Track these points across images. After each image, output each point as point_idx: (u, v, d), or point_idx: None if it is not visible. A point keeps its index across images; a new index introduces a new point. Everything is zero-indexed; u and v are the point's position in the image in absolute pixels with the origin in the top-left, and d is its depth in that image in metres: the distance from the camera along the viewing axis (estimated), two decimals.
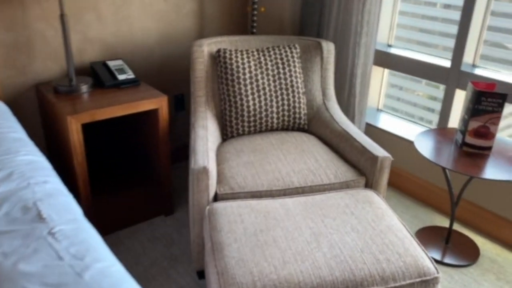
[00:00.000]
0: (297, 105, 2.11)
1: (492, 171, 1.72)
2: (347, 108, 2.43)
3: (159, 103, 1.99)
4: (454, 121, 2.28)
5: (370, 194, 1.67)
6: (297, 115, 2.12)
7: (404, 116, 2.59)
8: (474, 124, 1.81)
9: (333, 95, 2.22)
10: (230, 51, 2.07)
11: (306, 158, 1.87)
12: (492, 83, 1.84)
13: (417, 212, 2.33)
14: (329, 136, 2.04)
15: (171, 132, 2.65)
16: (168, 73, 2.51)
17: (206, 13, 2.53)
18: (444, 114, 2.28)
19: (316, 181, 1.75)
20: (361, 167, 1.82)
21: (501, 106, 1.75)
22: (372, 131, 2.58)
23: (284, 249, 1.36)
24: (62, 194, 1.21)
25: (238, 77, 2.04)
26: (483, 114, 1.79)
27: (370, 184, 1.79)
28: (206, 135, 1.87)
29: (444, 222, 2.25)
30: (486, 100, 1.76)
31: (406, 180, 2.48)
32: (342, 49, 2.36)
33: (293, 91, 2.10)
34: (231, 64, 2.05)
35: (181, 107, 2.64)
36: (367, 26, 2.23)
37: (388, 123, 2.57)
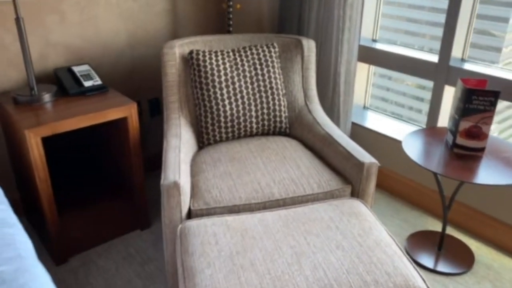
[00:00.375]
0: (277, 108, 1.98)
1: (486, 175, 1.61)
2: (332, 108, 2.30)
3: (127, 111, 1.85)
4: (444, 119, 2.17)
5: (356, 204, 1.55)
6: (277, 119, 1.99)
7: (392, 112, 2.48)
8: (465, 124, 1.69)
9: (316, 96, 2.09)
10: (204, 52, 1.93)
11: (287, 166, 1.74)
12: (483, 79, 1.72)
13: (408, 216, 2.21)
14: (312, 140, 1.92)
15: (147, 139, 2.50)
16: (140, 77, 2.36)
17: (179, 11, 2.38)
18: (433, 112, 2.16)
19: (298, 192, 1.62)
20: (346, 174, 1.70)
21: (493, 105, 1.64)
22: (358, 131, 2.46)
23: (263, 273, 1.23)
24: (7, 225, 1.06)
25: (213, 80, 1.90)
26: (474, 113, 1.67)
27: (356, 193, 1.66)
28: (178, 145, 1.74)
29: (436, 226, 2.14)
30: (478, 98, 1.64)
31: (396, 182, 2.37)
32: (325, 46, 2.22)
33: (272, 94, 1.97)
34: (205, 67, 1.90)
35: (157, 111, 2.49)
36: (349, 21, 2.10)
37: (375, 121, 2.45)
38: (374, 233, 1.40)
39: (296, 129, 2.03)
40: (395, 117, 2.47)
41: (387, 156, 2.37)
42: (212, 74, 1.90)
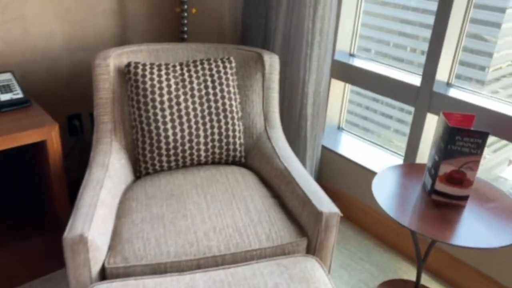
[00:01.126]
0: (231, 133, 1.68)
1: (467, 232, 1.33)
2: (298, 133, 2.02)
3: (46, 134, 1.54)
4: (425, 150, 1.90)
5: (310, 265, 1.27)
6: (231, 146, 1.70)
7: (369, 132, 2.20)
8: (446, 168, 1.42)
9: (278, 120, 1.81)
10: (144, 65, 1.63)
11: (235, 208, 1.45)
12: (470, 114, 1.44)
13: (380, 260, 1.94)
14: (269, 174, 1.63)
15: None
16: (80, 86, 2.04)
17: (128, 12, 2.06)
18: (413, 143, 1.88)
19: (242, 246, 1.33)
20: (302, 223, 1.41)
21: (480, 148, 1.36)
22: (329, 156, 2.18)
23: None
24: None
25: (154, 99, 1.60)
26: (458, 156, 1.39)
27: (313, 247, 1.38)
28: (102, 178, 1.43)
29: (411, 274, 1.87)
30: (462, 140, 1.36)
31: (368, 217, 2.09)
32: (291, 62, 1.93)
33: (225, 116, 1.67)
34: (144, 83, 1.60)
35: None
36: (319, 35, 1.81)
37: (349, 146, 2.17)
38: None
39: (253, 159, 1.74)
40: (372, 141, 2.19)
41: (360, 187, 2.09)
42: (153, 92, 1.60)
